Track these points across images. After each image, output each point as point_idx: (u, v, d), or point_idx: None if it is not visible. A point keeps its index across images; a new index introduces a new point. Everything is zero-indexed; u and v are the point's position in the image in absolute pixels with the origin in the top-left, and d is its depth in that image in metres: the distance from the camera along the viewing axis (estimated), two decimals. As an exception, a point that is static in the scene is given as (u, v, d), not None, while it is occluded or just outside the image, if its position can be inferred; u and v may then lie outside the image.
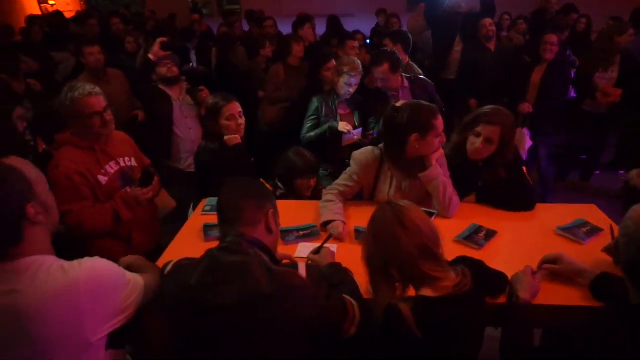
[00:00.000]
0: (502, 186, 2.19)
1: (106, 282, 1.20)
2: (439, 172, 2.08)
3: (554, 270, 1.63)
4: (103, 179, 2.11)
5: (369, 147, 2.24)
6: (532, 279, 1.52)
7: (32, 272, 1.11)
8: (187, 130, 3.13)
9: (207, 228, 2.00)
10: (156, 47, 3.14)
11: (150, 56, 3.15)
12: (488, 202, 2.21)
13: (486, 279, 1.46)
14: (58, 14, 7.57)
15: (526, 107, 3.70)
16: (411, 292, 1.36)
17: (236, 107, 2.40)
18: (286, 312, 1.18)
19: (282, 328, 1.19)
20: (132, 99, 3.65)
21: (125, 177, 2.21)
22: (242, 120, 2.42)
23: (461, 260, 1.42)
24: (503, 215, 2.14)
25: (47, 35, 5.69)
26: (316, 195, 2.44)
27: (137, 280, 1.31)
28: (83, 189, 2.04)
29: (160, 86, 3.14)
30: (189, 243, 1.96)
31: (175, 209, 2.77)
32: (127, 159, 2.26)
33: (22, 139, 2.33)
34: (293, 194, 2.43)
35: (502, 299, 1.54)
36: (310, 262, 1.68)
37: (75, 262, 1.17)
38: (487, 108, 2.18)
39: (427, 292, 1.28)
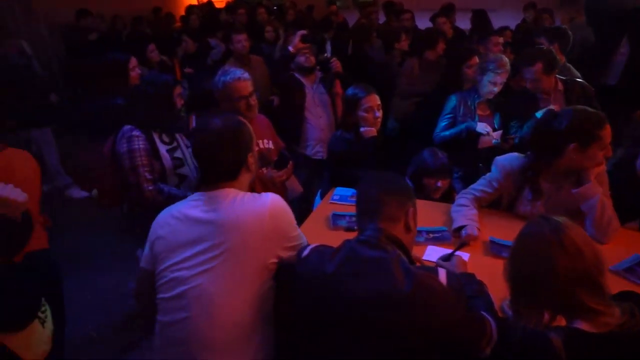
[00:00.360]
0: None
1: (286, 215, 1.43)
2: (597, 190, 1.83)
3: None
4: (244, 158, 2.25)
5: (515, 154, 2.05)
6: None
7: (231, 198, 1.39)
8: (317, 118, 3.21)
9: (335, 217, 2.02)
10: (297, 40, 3.26)
11: (291, 48, 3.27)
12: (658, 231, 1.89)
13: None
14: (210, 4, 8.32)
15: None
16: (560, 321, 1.20)
17: (375, 100, 2.38)
18: (421, 317, 1.13)
19: (413, 333, 1.13)
20: (269, 85, 3.86)
21: (263, 158, 2.34)
22: (379, 113, 2.39)
23: (628, 297, 1.21)
24: (677, 250, 1.80)
25: (202, 23, 6.30)
26: (447, 197, 2.33)
27: (302, 235, 1.49)
28: (226, 165, 2.20)
29: (296, 74, 3.26)
30: (316, 229, 2.01)
31: (302, 194, 2.87)
32: (265, 141, 2.39)
33: (179, 116, 2.58)
34: (421, 193, 2.34)
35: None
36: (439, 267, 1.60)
37: (263, 194, 1.44)
38: None
39: (583, 325, 1.10)
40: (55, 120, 4.55)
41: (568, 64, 3.32)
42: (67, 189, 4.40)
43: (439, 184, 2.31)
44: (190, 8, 7.21)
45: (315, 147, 3.25)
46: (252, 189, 2.20)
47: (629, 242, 1.84)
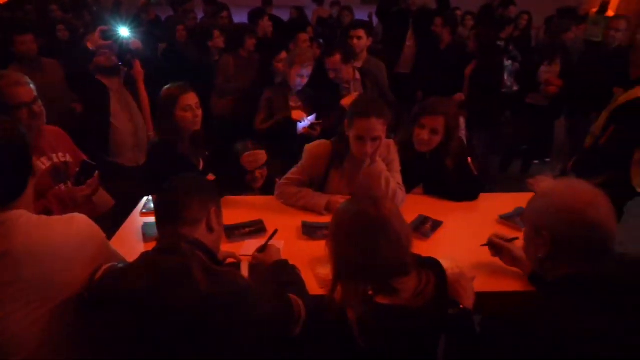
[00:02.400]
0: (447, 177, 2.23)
1: (93, 238, 1.27)
2: (380, 169, 2.05)
3: (500, 248, 1.65)
4: (32, 176, 1.96)
5: (321, 140, 2.22)
6: (472, 284, 1.46)
7: (24, 223, 1.15)
8: (126, 122, 2.97)
9: (146, 227, 1.91)
10: (96, 36, 2.95)
11: (89, 45, 2.95)
12: (435, 193, 2.25)
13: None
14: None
15: (458, 97, 3.86)
16: None
17: (193, 97, 2.24)
18: (230, 315, 1.13)
19: (226, 332, 1.13)
20: (70, 90, 3.44)
21: (58, 174, 2.07)
22: (199, 112, 2.28)
23: (430, 265, 1.33)
24: (449, 205, 2.18)
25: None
26: (267, 187, 2.40)
27: (117, 254, 1.35)
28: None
29: (98, 77, 2.96)
30: (127, 245, 1.86)
31: (115, 207, 2.63)
32: (60, 154, 2.12)
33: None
34: (244, 187, 2.38)
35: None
36: (255, 260, 1.64)
37: (64, 216, 1.25)
38: (430, 99, 2.22)
39: (383, 299, 1.19)
40: None
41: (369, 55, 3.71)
42: None
43: (256, 174, 2.37)
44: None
45: (129, 154, 3.02)
46: (49, 211, 1.95)
47: (416, 206, 2.14)
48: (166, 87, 2.31)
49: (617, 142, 2.44)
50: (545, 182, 1.18)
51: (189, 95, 2.26)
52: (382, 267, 1.16)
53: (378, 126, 1.93)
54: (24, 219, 1.15)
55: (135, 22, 5.30)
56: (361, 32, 3.49)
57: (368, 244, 1.16)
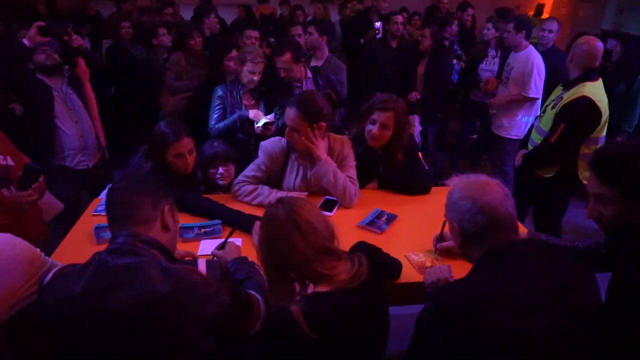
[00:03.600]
0: (400, 172, 2.31)
1: (15, 258, 1.23)
2: (328, 166, 2.09)
3: (448, 247, 1.76)
4: (-31, 182, 1.84)
5: (276, 137, 2.24)
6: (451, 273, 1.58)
7: None
8: (72, 124, 2.83)
9: (99, 230, 1.85)
10: (32, 32, 2.80)
11: (26, 41, 2.80)
12: (389, 187, 2.32)
13: (383, 265, 1.49)
14: None
15: (413, 95, 4.02)
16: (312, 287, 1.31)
17: (188, 144, 2.07)
18: (187, 312, 1.12)
19: (183, 329, 1.12)
20: (8, 91, 3.23)
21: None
22: (191, 157, 2.11)
23: (359, 248, 1.43)
24: (403, 199, 2.26)
25: None
26: None
27: (49, 261, 1.31)
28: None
29: (39, 75, 2.81)
30: (79, 247, 1.80)
31: (65, 211, 2.52)
32: (0, 157, 2.01)
33: None
34: (211, 185, 2.36)
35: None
36: (215, 258, 1.63)
37: None
38: (380, 96, 2.29)
39: (322, 287, 1.25)
40: None
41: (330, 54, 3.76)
42: None
43: (221, 169, 2.34)
44: None
45: (77, 157, 2.89)
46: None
47: (371, 200, 2.21)
48: (160, 126, 2.09)
49: (568, 139, 2.57)
50: (453, 180, 1.30)
51: (183, 143, 2.06)
52: (304, 257, 1.23)
53: (296, 119, 2.02)
54: None
55: (74, 18, 5.09)
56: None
57: (282, 243, 1.24)
